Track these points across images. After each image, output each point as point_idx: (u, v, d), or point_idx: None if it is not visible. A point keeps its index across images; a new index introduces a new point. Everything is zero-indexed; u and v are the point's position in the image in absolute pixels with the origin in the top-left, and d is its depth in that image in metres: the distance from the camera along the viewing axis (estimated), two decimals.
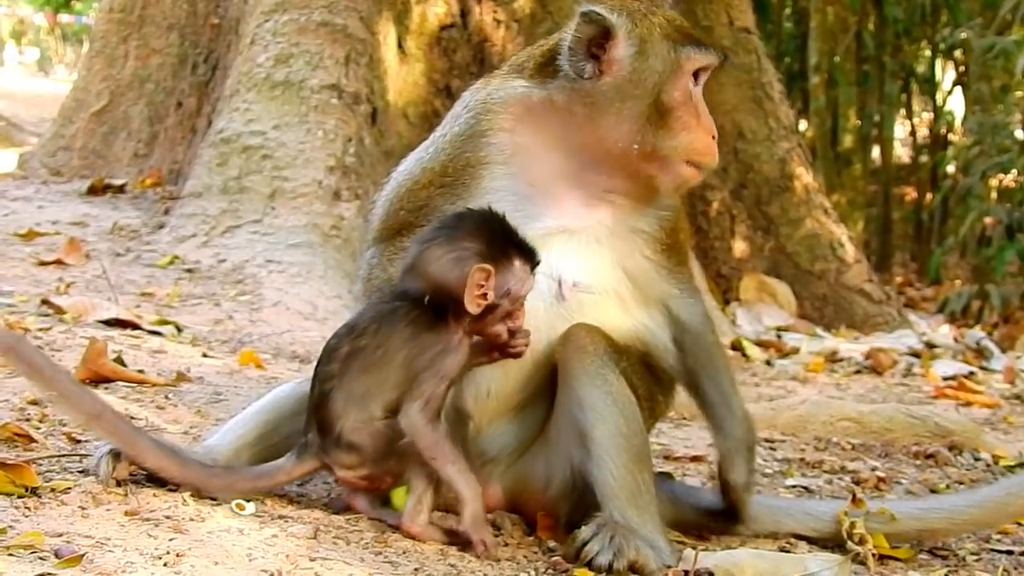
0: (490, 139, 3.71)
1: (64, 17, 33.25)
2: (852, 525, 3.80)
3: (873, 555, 3.73)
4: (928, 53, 16.44)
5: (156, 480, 3.36)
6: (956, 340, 9.26)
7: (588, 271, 3.63)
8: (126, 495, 3.26)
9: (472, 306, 3.36)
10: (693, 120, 3.58)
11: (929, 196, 15.76)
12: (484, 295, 3.36)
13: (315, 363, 3.44)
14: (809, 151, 11.09)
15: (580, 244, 3.64)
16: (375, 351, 3.34)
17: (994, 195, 13.72)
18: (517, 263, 3.43)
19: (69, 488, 3.25)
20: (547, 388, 3.63)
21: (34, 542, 2.85)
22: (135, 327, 5.96)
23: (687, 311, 3.78)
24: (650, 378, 3.74)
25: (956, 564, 3.91)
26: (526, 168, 3.66)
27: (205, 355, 5.68)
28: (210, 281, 7.44)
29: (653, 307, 3.74)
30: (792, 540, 3.92)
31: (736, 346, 8.19)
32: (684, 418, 5.56)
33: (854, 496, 4.03)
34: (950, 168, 15.36)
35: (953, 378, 7.60)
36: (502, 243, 3.43)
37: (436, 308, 3.38)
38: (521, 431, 3.65)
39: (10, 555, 2.77)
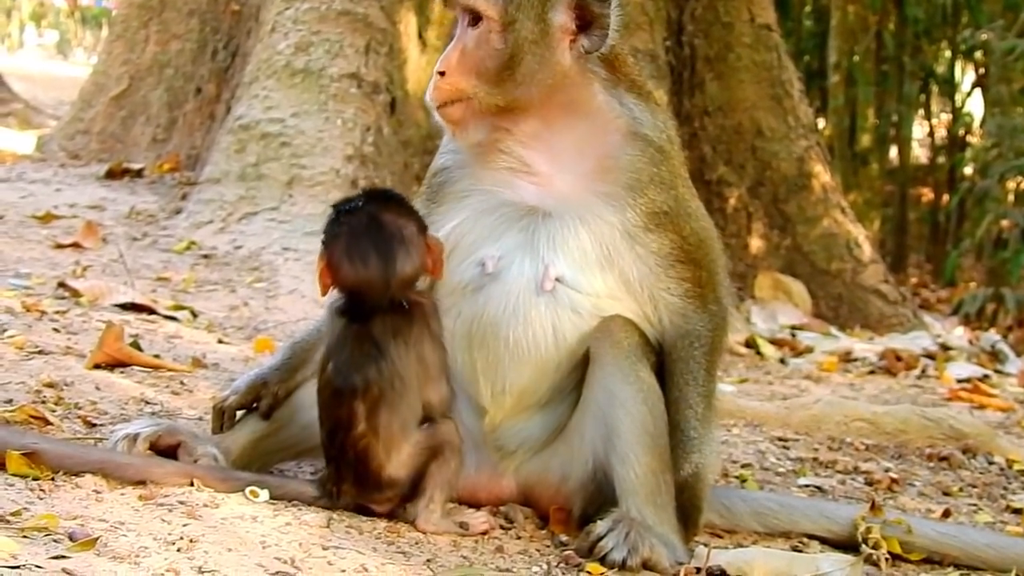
0: (445, 146, 3.74)
1: (84, 0, 33.30)
2: (868, 530, 3.79)
3: (887, 559, 3.73)
4: (948, 54, 16.34)
5: None
6: (971, 342, 9.21)
7: (575, 262, 3.51)
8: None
9: (444, 272, 3.48)
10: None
11: (946, 197, 15.68)
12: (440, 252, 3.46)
13: (327, 427, 3.37)
14: (827, 150, 11.03)
15: (561, 227, 3.51)
16: (392, 386, 3.31)
17: (1011, 198, 13.66)
18: (418, 206, 3.55)
19: (84, 471, 3.27)
20: (567, 384, 3.61)
21: (48, 525, 2.87)
22: (151, 312, 5.96)
23: (674, 317, 3.60)
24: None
25: (969, 567, 3.89)
26: (480, 162, 3.63)
27: (221, 341, 5.69)
28: (226, 267, 7.45)
29: (647, 306, 3.58)
30: (805, 540, 3.92)
31: (750, 344, 8.16)
32: None
33: (874, 503, 4.02)
34: (967, 170, 15.28)
35: (967, 380, 7.55)
36: (401, 208, 3.47)
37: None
38: (541, 427, 3.64)
39: (24, 537, 2.78)
